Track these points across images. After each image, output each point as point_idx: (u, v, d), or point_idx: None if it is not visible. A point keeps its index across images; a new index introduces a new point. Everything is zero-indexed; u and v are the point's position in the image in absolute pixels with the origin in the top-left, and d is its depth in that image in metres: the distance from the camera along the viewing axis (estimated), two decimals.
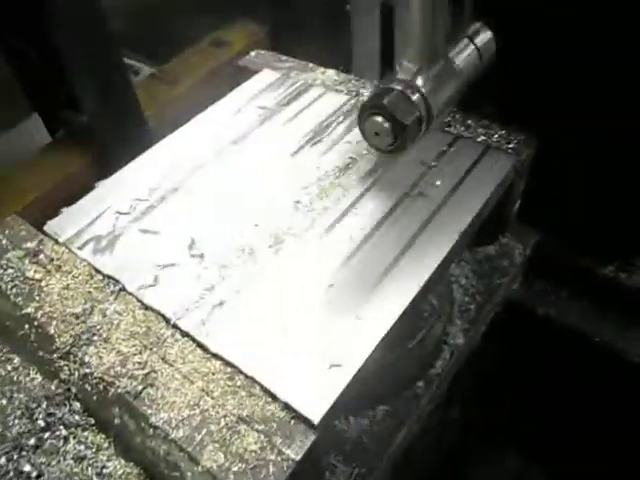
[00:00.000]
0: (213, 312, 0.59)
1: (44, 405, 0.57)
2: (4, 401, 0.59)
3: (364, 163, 0.72)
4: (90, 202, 0.72)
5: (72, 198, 0.73)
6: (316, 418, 0.50)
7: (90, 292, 0.63)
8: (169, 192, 0.72)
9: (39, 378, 0.60)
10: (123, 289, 0.62)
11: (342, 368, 0.53)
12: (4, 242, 0.69)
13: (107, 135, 1.32)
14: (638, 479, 1.06)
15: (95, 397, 0.56)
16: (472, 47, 0.65)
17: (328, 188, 0.69)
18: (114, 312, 0.60)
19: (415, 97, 0.59)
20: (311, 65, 0.91)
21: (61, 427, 0.56)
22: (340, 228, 0.65)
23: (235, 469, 0.48)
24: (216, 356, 0.55)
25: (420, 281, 0.59)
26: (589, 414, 1.07)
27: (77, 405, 0.57)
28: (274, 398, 0.52)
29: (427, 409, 0.80)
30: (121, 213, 0.70)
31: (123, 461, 0.55)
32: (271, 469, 0.48)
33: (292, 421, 0.50)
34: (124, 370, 0.56)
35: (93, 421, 0.57)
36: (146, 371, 0.55)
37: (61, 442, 0.55)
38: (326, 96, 0.83)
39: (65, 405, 0.57)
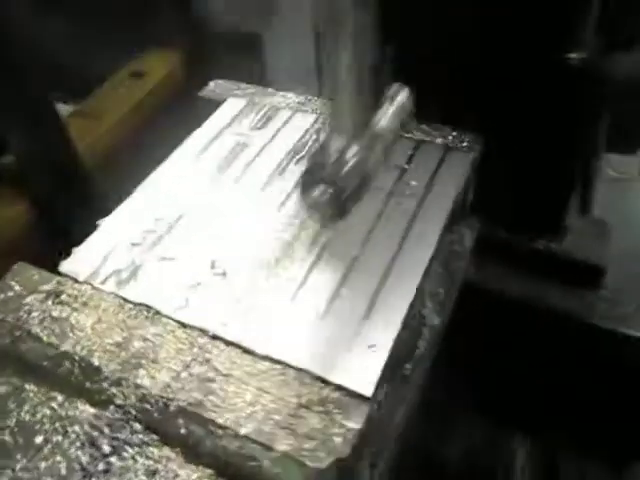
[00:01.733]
0: (250, 319, 0.65)
1: (106, 431, 0.61)
2: (59, 437, 0.61)
3: None
4: (99, 240, 0.75)
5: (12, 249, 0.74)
6: (369, 391, 0.58)
7: (124, 321, 0.67)
8: (174, 220, 0.77)
9: (90, 409, 0.63)
10: (157, 313, 0.67)
11: (378, 347, 0.62)
12: (17, 288, 0.71)
13: (40, 176, 1.31)
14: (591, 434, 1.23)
15: (156, 414, 0.60)
16: (392, 109, 0.70)
17: None
18: (154, 335, 0.65)
19: (349, 167, 0.64)
20: (270, 90, 0.99)
21: (127, 447, 0.60)
22: (343, 226, 0.74)
23: (307, 446, 0.55)
24: (264, 357, 0.62)
25: (422, 267, 0.70)
26: (543, 371, 1.23)
27: (137, 426, 0.61)
28: (325, 383, 0.60)
29: (418, 387, 0.90)
30: (134, 244, 0.74)
31: (194, 466, 0.59)
32: (338, 440, 0.56)
33: (346, 399, 0.58)
34: (180, 384, 0.61)
35: (156, 437, 0.61)
36: (201, 382, 0.61)
37: (130, 462, 0.59)
38: (296, 116, 0.92)
39: (125, 428, 0.61)
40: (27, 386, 0.67)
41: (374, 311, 0.66)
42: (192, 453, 0.60)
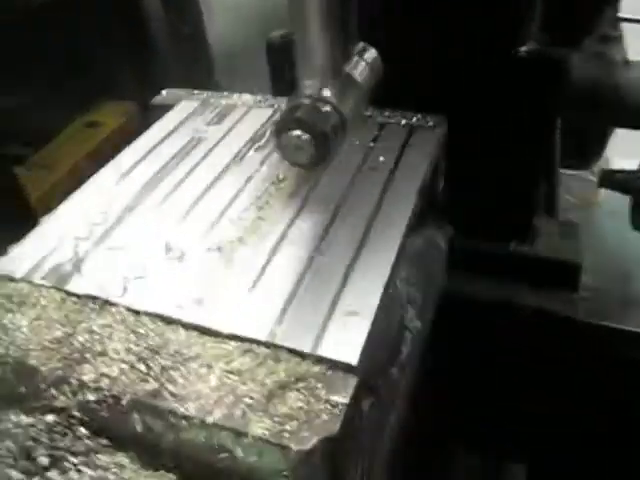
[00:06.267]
0: (210, 299, 0.57)
1: (44, 440, 0.50)
2: None
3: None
4: (40, 236, 0.67)
5: None
6: (354, 360, 0.50)
7: (67, 315, 0.58)
8: (125, 211, 0.70)
9: (26, 418, 0.53)
10: (106, 303, 0.58)
11: (359, 315, 0.55)
12: None
13: None
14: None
15: (106, 414, 0.51)
16: (363, 63, 0.69)
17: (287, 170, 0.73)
18: (102, 326, 0.56)
19: (326, 108, 0.62)
20: (226, 93, 0.95)
21: (70, 457, 0.49)
22: (312, 202, 0.69)
23: (287, 428, 0.47)
24: (231, 337, 0.54)
25: (399, 234, 0.64)
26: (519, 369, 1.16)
27: (82, 430, 0.51)
28: (303, 357, 0.52)
29: (405, 393, 0.82)
30: (79, 239, 0.66)
31: (152, 471, 0.49)
32: (324, 417, 0.47)
33: (329, 371, 0.50)
34: (133, 376, 0.52)
35: (106, 441, 0.51)
36: (158, 370, 0.52)
37: (73, 474, 0.49)
38: (252, 111, 0.88)
39: (67, 434, 0.51)
40: None
41: (351, 280, 0.59)
42: (150, 455, 0.50)
